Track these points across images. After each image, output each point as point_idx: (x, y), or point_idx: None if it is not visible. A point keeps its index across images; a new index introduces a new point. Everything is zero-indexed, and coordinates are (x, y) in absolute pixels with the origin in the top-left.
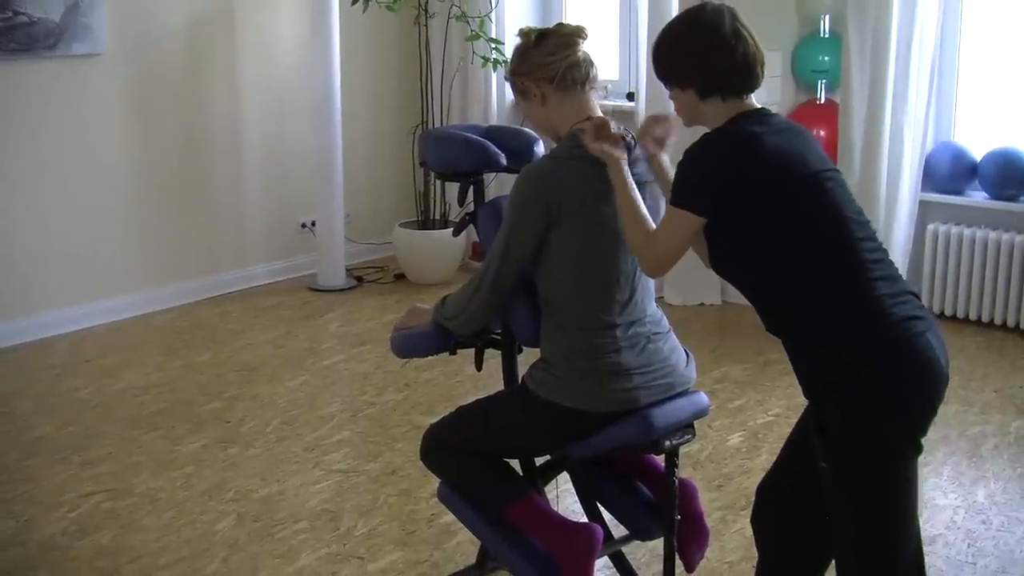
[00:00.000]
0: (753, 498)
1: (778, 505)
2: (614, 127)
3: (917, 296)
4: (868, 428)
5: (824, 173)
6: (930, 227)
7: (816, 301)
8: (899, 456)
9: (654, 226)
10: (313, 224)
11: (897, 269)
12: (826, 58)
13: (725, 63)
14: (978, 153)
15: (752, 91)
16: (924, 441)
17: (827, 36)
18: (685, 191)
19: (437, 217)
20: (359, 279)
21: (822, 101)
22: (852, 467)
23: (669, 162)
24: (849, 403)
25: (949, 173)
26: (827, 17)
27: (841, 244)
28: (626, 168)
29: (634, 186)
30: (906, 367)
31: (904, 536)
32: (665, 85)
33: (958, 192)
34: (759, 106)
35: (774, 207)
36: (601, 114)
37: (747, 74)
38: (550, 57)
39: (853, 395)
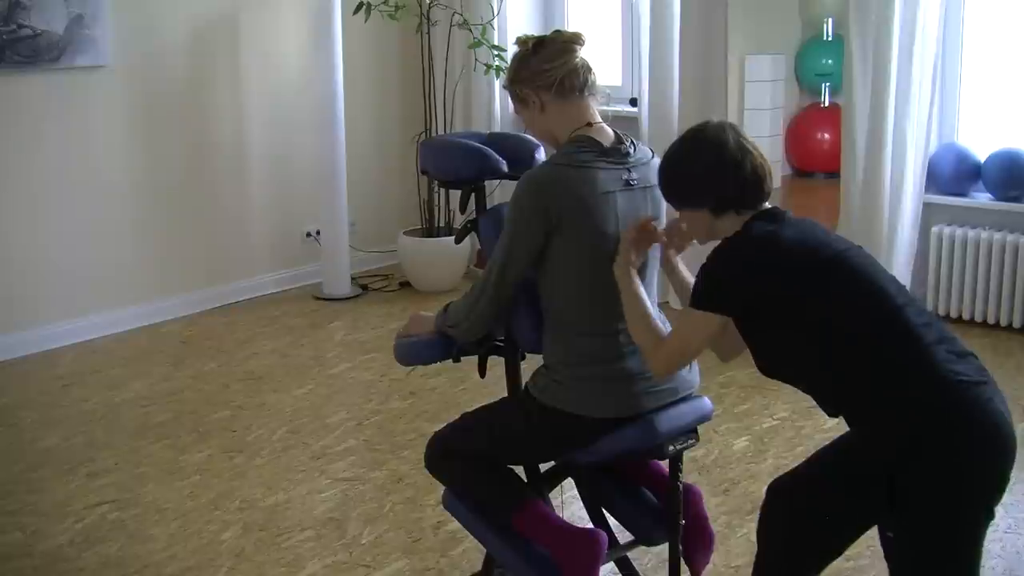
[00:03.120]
0: (761, 501)
1: (793, 514)
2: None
3: (975, 356)
4: (945, 498)
5: (848, 251)
6: (934, 229)
7: (875, 376)
8: (974, 524)
9: (663, 328)
10: (318, 233)
11: (948, 329)
12: (829, 61)
13: (735, 180)
14: (982, 154)
15: (765, 201)
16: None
17: (830, 39)
18: (709, 293)
19: (441, 225)
20: (364, 287)
21: (826, 104)
22: (927, 536)
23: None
24: (926, 474)
25: (953, 175)
26: (830, 20)
27: (885, 313)
28: (635, 278)
29: (641, 292)
30: (980, 436)
31: None
32: (676, 208)
33: (962, 194)
34: (769, 206)
35: (809, 292)
36: (600, 120)
37: (758, 187)
38: (547, 64)
39: (929, 466)
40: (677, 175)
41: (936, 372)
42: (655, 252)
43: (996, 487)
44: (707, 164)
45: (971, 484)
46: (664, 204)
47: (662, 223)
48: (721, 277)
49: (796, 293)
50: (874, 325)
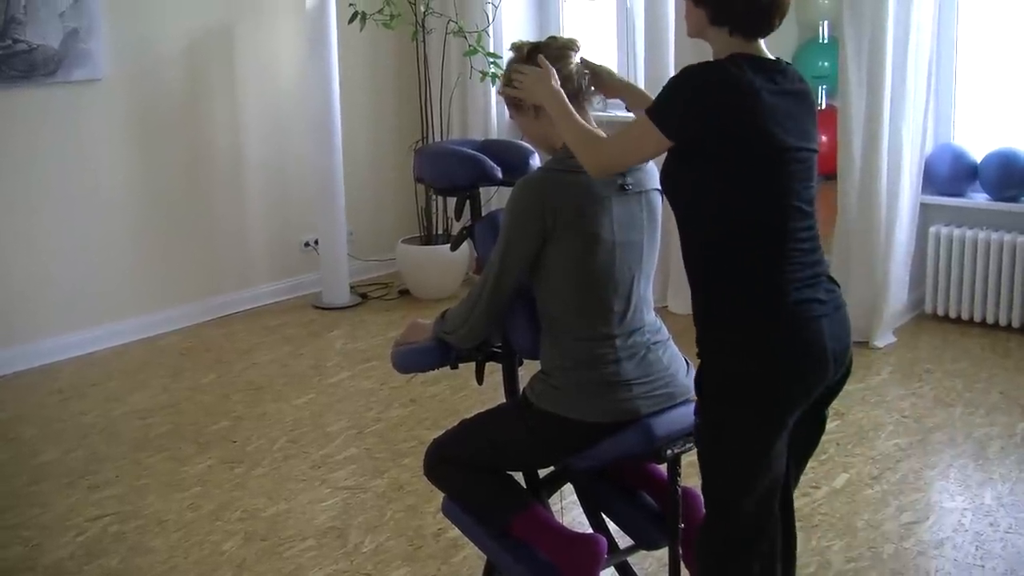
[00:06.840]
0: None
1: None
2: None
3: (835, 282)
4: (740, 398)
5: (797, 152)
6: (932, 229)
7: (727, 266)
8: (762, 428)
9: (602, 133)
10: (316, 242)
11: (822, 256)
12: (825, 63)
13: (748, 3)
14: (978, 154)
15: (762, 37)
16: (787, 419)
17: (826, 42)
18: (667, 111)
19: (440, 232)
20: (363, 296)
21: (822, 107)
22: (717, 427)
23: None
24: (729, 371)
25: (950, 175)
26: (825, 23)
27: (774, 229)
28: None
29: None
30: (791, 349)
31: (744, 499)
32: None
33: (959, 194)
34: (773, 57)
35: (733, 167)
36: (595, 126)
37: (763, 20)
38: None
39: (735, 364)
40: None
41: (776, 286)
42: (651, 262)
43: (793, 402)
44: None
45: (769, 392)
46: (661, 209)
47: (659, 229)
48: (679, 97)
49: (721, 154)
50: (755, 233)
